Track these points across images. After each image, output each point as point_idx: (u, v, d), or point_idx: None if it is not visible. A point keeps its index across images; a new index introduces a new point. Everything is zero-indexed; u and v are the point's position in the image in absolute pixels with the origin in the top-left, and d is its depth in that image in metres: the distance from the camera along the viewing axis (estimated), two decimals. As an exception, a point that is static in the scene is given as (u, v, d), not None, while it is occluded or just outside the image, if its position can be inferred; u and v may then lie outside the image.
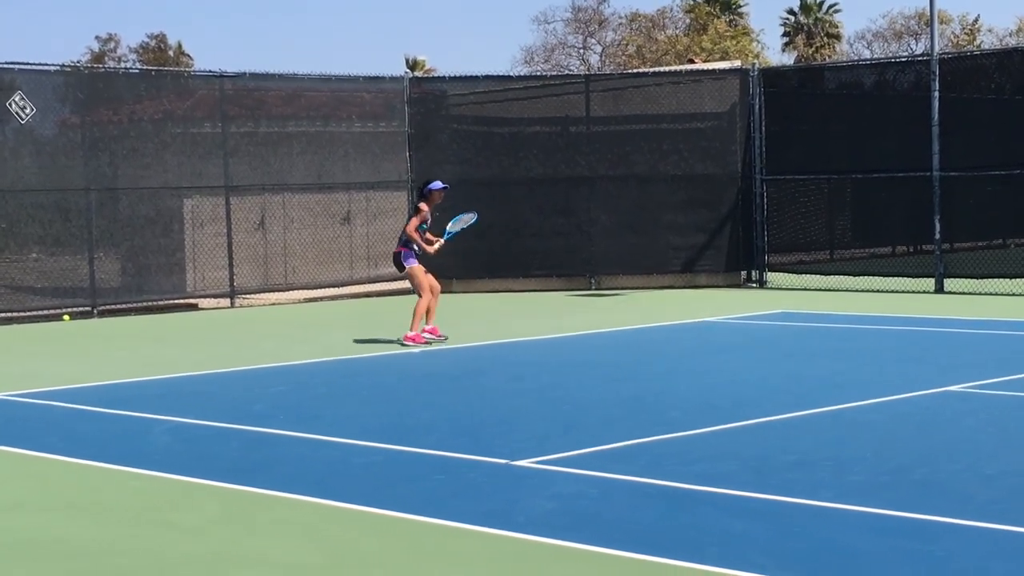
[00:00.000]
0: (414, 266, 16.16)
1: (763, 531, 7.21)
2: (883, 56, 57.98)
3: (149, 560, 7.06)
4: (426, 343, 16.07)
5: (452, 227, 16.72)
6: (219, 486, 8.64)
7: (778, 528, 7.28)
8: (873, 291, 21.89)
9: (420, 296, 16.23)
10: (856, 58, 59.05)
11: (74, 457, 9.72)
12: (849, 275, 22.87)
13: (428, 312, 16.25)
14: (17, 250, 21.58)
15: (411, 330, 16.14)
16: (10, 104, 20.53)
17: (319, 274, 23.83)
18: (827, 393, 11.89)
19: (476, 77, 25.20)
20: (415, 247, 16.09)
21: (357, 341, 16.80)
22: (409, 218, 16.53)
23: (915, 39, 64.64)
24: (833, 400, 11.41)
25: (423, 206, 16.18)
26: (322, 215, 24.04)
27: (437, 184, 16.31)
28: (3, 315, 20.47)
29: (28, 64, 21.05)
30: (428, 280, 16.25)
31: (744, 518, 7.49)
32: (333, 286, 23.97)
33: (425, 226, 16.20)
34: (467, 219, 16.89)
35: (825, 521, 7.47)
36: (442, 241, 16.32)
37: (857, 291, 22.01)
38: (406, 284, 24.11)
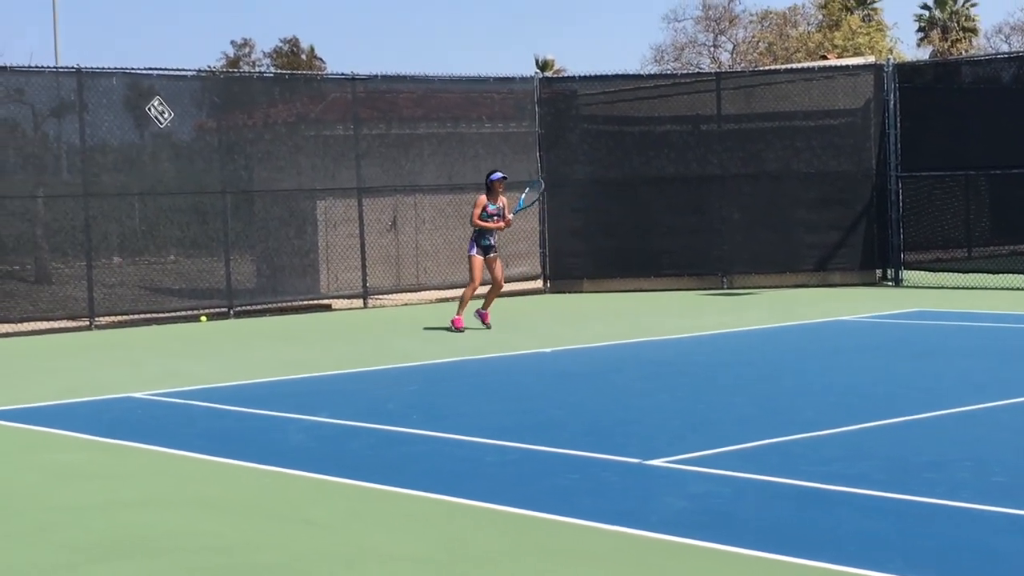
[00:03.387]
0: (472, 255, 17.93)
1: (900, 532, 7.09)
2: (1022, 49, 56.80)
3: (285, 556, 7.14)
4: (462, 329, 17.84)
5: (522, 202, 18.54)
6: (353, 484, 8.71)
7: (916, 529, 7.16)
8: (1013, 289, 21.44)
9: (470, 283, 18.02)
10: (994, 52, 57.95)
11: (212, 455, 9.87)
12: (988, 273, 22.42)
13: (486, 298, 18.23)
14: (156, 252, 22.00)
15: (457, 313, 18.12)
16: (149, 109, 20.94)
17: (450, 274, 23.93)
18: (966, 392, 11.67)
19: (606, 76, 25.13)
20: (476, 237, 17.93)
21: (488, 341, 16.86)
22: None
23: (1055, 32, 63.21)
24: (972, 400, 11.19)
25: (481, 197, 17.94)
26: (453, 216, 24.15)
27: (496, 175, 18.03)
28: (143, 316, 20.88)
29: (166, 70, 21.44)
30: (485, 273, 18.06)
31: (880, 518, 7.38)
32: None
33: (486, 214, 17.82)
34: (531, 196, 18.72)
35: (965, 522, 7.32)
36: (510, 217, 18.00)
37: (996, 289, 21.58)
38: (536, 284, 24.31)
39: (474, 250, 17.88)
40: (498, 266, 18.09)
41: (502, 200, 17.92)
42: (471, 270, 17.95)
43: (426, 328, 18.92)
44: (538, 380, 13.55)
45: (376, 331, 19.12)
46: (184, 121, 21.84)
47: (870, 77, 23.78)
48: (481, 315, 18.23)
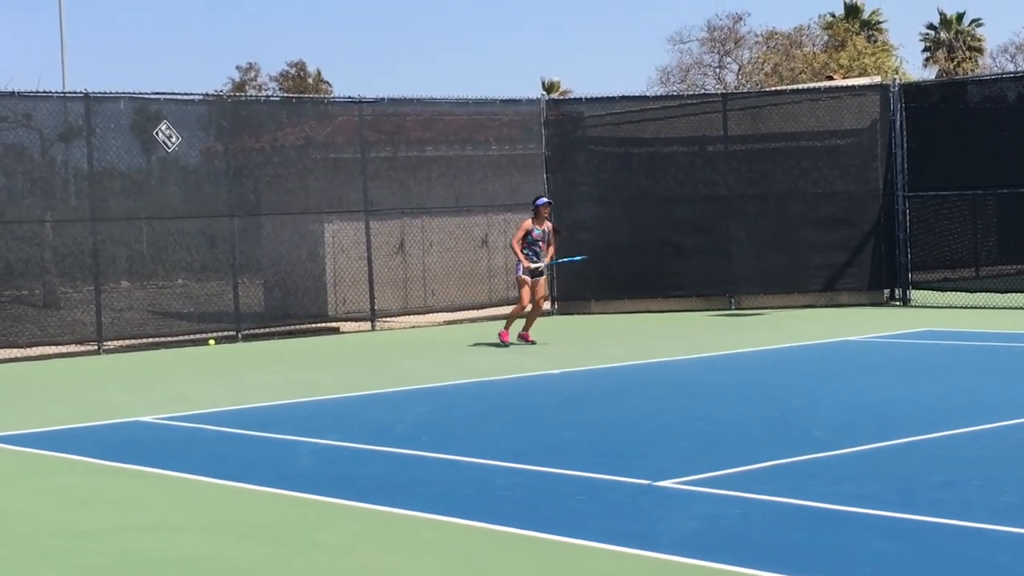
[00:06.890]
0: (519, 276, 18.48)
1: (912, 552, 7.07)
2: (1028, 69, 56.79)
3: (295, 580, 7.13)
4: (507, 344, 18.41)
5: (561, 259, 19.58)
6: (362, 507, 8.70)
7: (928, 549, 7.14)
8: (1021, 308, 21.40)
9: (519, 303, 18.59)
10: (999, 71, 57.93)
11: (220, 478, 9.87)
12: (995, 292, 22.39)
13: (526, 319, 18.72)
14: (165, 276, 22.03)
15: (504, 328, 18.64)
16: (157, 133, 20.98)
17: (458, 297, 23.95)
18: (975, 412, 11.65)
19: (612, 98, 25.14)
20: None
21: (498, 363, 16.85)
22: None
23: (1061, 51, 63.19)
24: (982, 419, 11.17)
25: (526, 221, 18.47)
26: (461, 238, 24.18)
27: (542, 200, 18.68)
28: (151, 340, 20.89)
29: (173, 94, 21.48)
30: (530, 294, 18.45)
31: (892, 539, 7.36)
32: (472, 308, 24.06)
33: (531, 238, 18.33)
34: (574, 261, 19.84)
35: (977, 542, 7.30)
36: (541, 264, 18.50)
37: (1004, 308, 21.54)
38: (545, 306, 24.28)
39: (521, 270, 18.41)
40: (541, 289, 18.72)
41: (547, 224, 18.52)
42: (520, 293, 18.52)
43: (434, 350, 18.91)
44: (547, 402, 13.53)
45: (384, 354, 19.11)
46: (192, 145, 21.87)
47: (876, 97, 23.79)
48: (523, 336, 18.75)
